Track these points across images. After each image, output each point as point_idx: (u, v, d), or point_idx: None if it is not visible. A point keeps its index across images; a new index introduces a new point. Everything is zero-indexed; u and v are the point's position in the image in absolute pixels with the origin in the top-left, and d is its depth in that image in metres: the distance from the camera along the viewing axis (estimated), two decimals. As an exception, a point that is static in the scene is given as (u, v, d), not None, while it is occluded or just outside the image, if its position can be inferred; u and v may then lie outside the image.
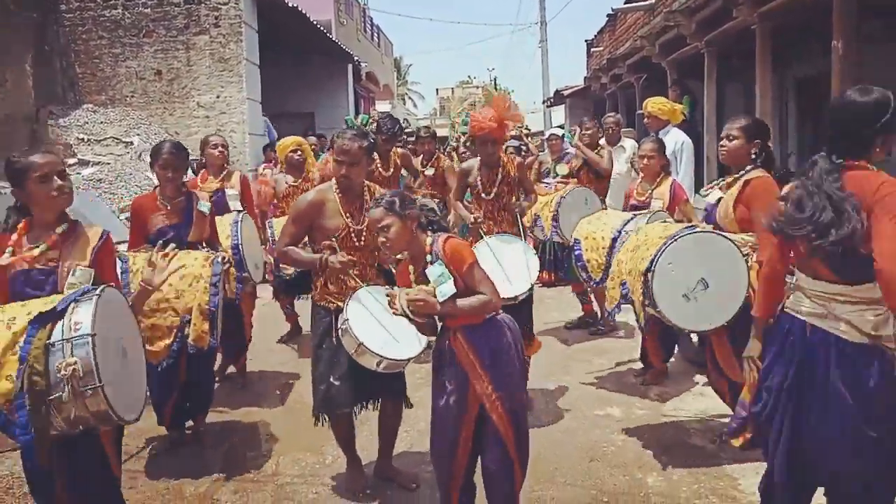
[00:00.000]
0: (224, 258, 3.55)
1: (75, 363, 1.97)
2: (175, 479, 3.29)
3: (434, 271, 2.41)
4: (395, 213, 2.46)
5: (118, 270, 2.75)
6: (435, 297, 2.39)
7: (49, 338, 2.02)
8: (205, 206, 3.75)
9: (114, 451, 2.45)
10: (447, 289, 2.38)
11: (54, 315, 2.06)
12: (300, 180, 5.33)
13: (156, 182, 3.85)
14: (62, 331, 2.03)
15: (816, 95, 10.79)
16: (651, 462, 3.34)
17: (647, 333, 4.13)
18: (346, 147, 2.93)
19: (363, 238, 3.01)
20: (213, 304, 3.28)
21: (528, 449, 2.57)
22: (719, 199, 3.20)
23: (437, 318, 2.55)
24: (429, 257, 2.47)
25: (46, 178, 2.33)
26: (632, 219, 3.90)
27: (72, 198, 2.42)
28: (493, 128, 3.85)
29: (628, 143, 6.03)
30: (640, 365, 4.60)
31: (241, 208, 4.69)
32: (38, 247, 2.35)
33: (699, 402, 4.05)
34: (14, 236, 2.38)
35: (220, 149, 4.86)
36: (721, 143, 3.19)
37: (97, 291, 2.14)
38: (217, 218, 4.03)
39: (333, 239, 2.94)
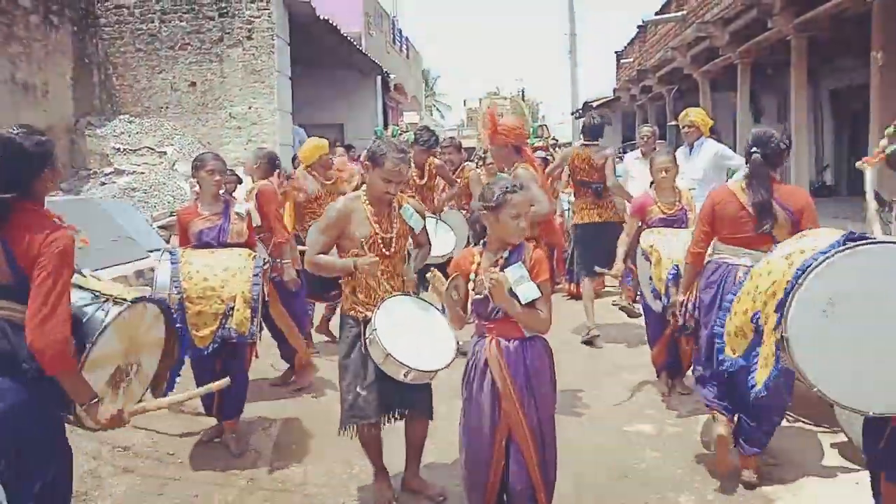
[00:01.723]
0: (265, 260, 3.81)
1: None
2: (205, 486, 3.31)
3: (515, 272, 2.43)
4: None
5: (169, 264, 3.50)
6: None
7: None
8: (241, 207, 3.96)
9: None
10: (531, 292, 2.41)
11: None
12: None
13: (189, 192, 4.02)
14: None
15: (852, 107, 10.58)
16: (684, 481, 3.26)
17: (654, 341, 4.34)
18: (399, 170, 2.95)
19: (392, 246, 3.02)
20: (256, 292, 3.55)
21: (554, 473, 2.53)
22: None
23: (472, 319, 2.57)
24: (506, 254, 2.49)
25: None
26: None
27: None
28: (487, 135, 4.04)
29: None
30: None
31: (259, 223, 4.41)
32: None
33: (733, 419, 3.95)
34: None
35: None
36: None
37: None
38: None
39: (362, 246, 2.95)
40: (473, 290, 2.50)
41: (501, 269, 2.45)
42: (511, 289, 2.41)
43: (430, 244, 3.38)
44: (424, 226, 3.24)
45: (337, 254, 3.10)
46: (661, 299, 3.92)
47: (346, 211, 3.00)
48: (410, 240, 3.21)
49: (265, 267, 3.72)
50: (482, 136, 4.49)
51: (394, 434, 3.36)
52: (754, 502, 3.04)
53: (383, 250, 3.00)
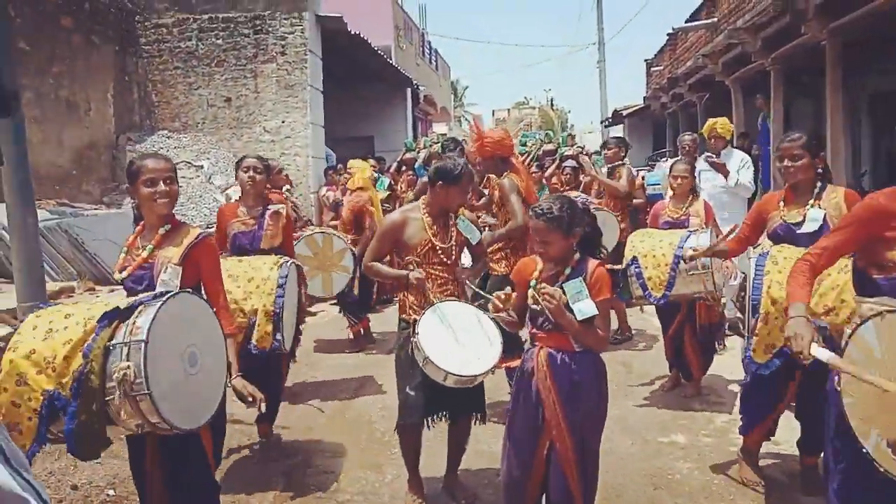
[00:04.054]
0: (293, 264, 3.77)
1: (128, 367, 1.98)
2: (241, 493, 3.38)
3: (574, 286, 2.43)
4: (561, 230, 2.45)
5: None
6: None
7: (112, 339, 2.05)
8: (277, 206, 3.93)
9: (209, 439, 2.46)
10: (588, 308, 2.40)
11: (122, 315, 2.10)
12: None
13: (223, 203, 4.10)
14: (124, 333, 2.05)
15: (892, 111, 10.34)
16: (718, 492, 3.23)
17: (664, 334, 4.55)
18: (473, 178, 3.28)
19: (450, 255, 3.13)
20: (279, 305, 3.45)
21: (594, 489, 2.53)
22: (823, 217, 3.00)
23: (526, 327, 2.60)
24: (568, 270, 2.49)
25: (153, 182, 2.50)
26: (689, 235, 4.05)
27: (171, 203, 2.55)
28: (475, 148, 4.31)
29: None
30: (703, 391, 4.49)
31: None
32: (146, 248, 2.52)
33: (769, 430, 3.89)
34: (131, 237, 2.60)
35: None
36: (785, 163, 3.06)
37: (165, 297, 2.16)
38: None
39: (419, 253, 3.09)
40: (532, 299, 2.50)
41: (562, 284, 2.45)
42: (568, 303, 2.41)
43: (486, 255, 3.58)
44: (481, 239, 3.37)
45: (394, 260, 3.32)
46: (646, 294, 4.05)
47: (401, 221, 3.15)
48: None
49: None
50: (471, 149, 4.60)
51: (431, 437, 3.39)
52: (791, 514, 2.99)
53: (442, 258, 3.11)
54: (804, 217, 3.00)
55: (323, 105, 11.75)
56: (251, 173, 3.88)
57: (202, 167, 10.59)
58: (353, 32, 11.86)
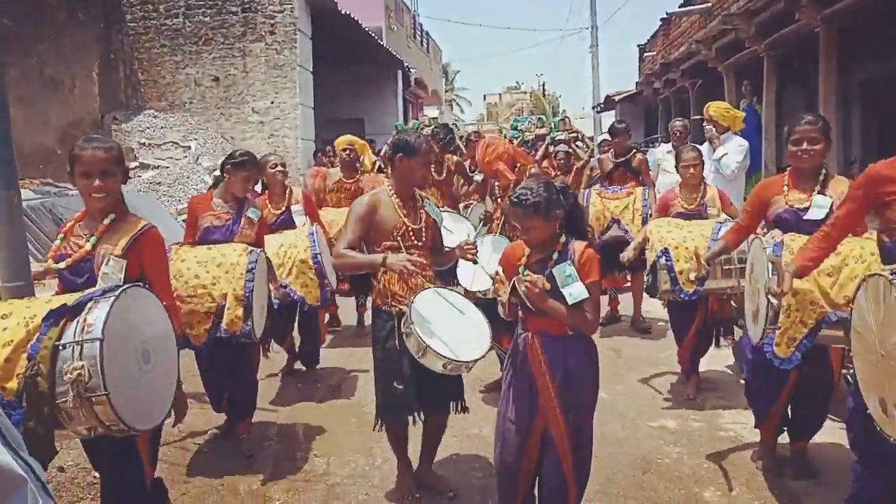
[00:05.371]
0: (263, 253, 3.66)
1: (81, 367, 1.85)
2: (229, 476, 3.35)
3: (563, 270, 2.38)
4: (540, 215, 2.40)
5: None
6: (546, 291, 2.36)
7: (60, 338, 1.91)
8: (254, 212, 3.80)
9: (147, 447, 2.35)
10: (579, 291, 2.35)
11: (70, 312, 1.95)
12: (352, 178, 5.77)
13: (210, 184, 3.98)
14: (74, 331, 1.91)
15: (882, 99, 10.36)
16: (708, 476, 3.24)
17: (680, 340, 4.31)
18: (432, 150, 3.25)
19: (422, 236, 3.05)
20: (248, 289, 3.37)
21: (587, 473, 2.52)
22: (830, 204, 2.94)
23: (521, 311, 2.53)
24: (555, 255, 2.44)
25: (87, 175, 2.32)
26: (720, 227, 3.83)
27: (109, 197, 2.37)
28: (487, 171, 4.47)
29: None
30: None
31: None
32: (86, 238, 2.35)
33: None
34: (70, 223, 2.42)
35: (279, 169, 4.67)
36: (803, 146, 2.96)
37: (117, 291, 2.03)
38: (289, 232, 4.53)
39: (394, 237, 2.97)
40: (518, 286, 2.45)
41: (550, 269, 2.40)
42: (557, 289, 2.37)
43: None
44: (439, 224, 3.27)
45: (366, 250, 3.09)
46: (675, 288, 3.88)
47: (372, 203, 3.01)
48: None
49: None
50: (504, 131, 4.65)
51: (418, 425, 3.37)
52: (781, 499, 3.00)
53: (414, 241, 3.01)
54: (810, 203, 2.95)
55: (313, 86, 11.62)
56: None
57: (190, 148, 10.46)
58: (343, 12, 11.70)
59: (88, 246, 2.34)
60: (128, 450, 2.25)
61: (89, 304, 1.97)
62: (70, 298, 2.02)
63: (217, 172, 4.01)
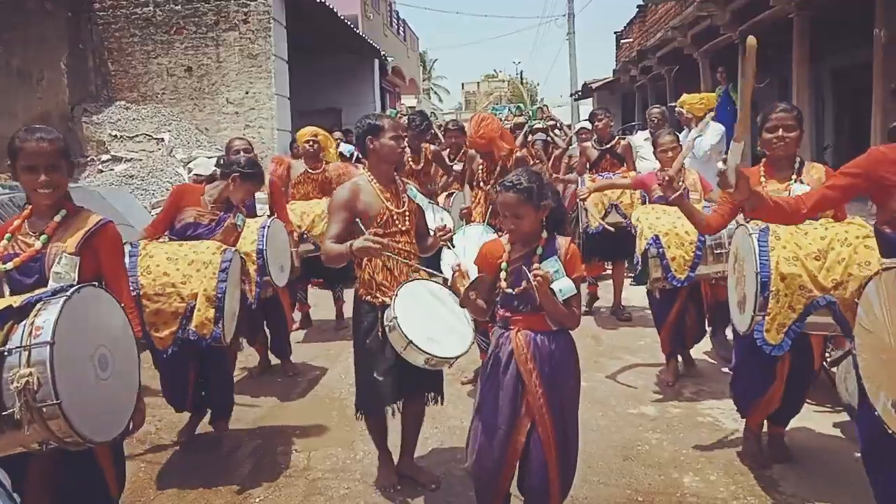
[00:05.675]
0: (237, 253, 3.51)
1: (29, 374, 1.70)
2: (209, 474, 3.31)
3: (550, 265, 2.37)
4: (532, 203, 2.37)
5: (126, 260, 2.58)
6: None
7: (6, 343, 1.75)
8: (242, 219, 3.71)
9: (111, 465, 2.18)
10: (568, 287, 2.34)
11: (16, 314, 1.79)
12: (318, 169, 5.66)
13: (185, 178, 3.89)
14: (21, 336, 1.75)
15: (854, 86, 10.50)
16: (687, 462, 3.28)
17: (661, 324, 4.27)
18: (398, 123, 3.19)
19: (406, 221, 3.01)
20: (221, 290, 3.17)
21: (572, 472, 2.49)
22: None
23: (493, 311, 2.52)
24: (539, 250, 2.42)
25: (32, 169, 2.14)
26: (707, 208, 3.77)
27: (56, 193, 2.20)
28: (482, 144, 4.51)
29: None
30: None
31: (271, 213, 4.65)
32: (35, 235, 2.18)
33: (735, 400, 3.96)
34: (16, 221, 2.23)
35: (242, 154, 4.36)
36: (779, 133, 2.96)
37: (69, 291, 1.88)
38: (248, 220, 4.13)
39: (377, 223, 2.91)
40: (505, 282, 2.42)
41: (539, 265, 2.37)
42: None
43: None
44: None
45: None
46: (668, 276, 3.86)
47: (353, 191, 2.96)
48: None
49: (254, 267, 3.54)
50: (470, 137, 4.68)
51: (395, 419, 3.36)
52: (759, 483, 3.05)
53: (398, 226, 2.97)
54: (788, 192, 2.92)
55: (288, 76, 11.47)
56: (248, 186, 3.66)
57: (163, 140, 10.28)
58: (318, 0, 11.55)
59: (38, 244, 2.15)
60: (88, 467, 2.05)
61: (38, 306, 1.82)
62: (16, 300, 1.87)
63: (213, 169, 3.85)
